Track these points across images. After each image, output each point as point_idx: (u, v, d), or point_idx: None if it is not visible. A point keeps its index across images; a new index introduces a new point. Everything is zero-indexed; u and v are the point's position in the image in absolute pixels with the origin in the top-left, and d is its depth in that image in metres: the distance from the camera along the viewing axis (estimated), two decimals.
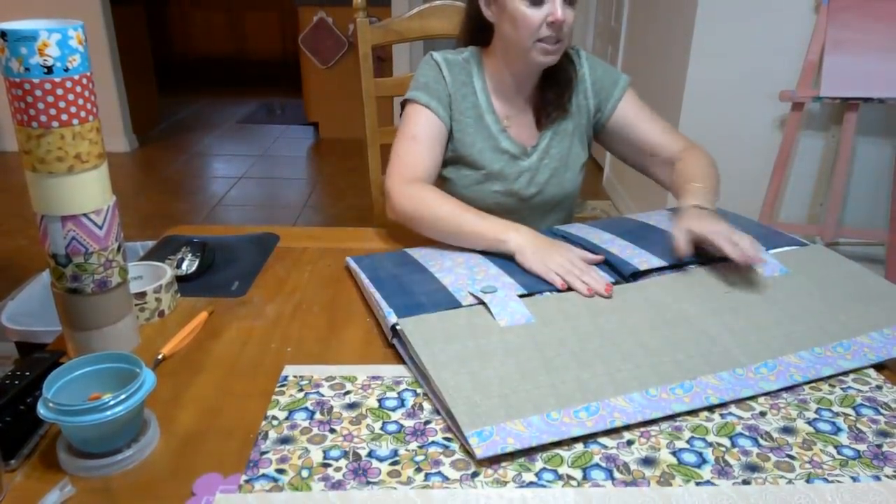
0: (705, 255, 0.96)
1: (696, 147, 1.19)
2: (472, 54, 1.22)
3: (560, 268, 0.92)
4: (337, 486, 0.61)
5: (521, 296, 0.87)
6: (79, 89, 0.69)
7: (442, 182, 1.24)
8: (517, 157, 1.21)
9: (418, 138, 1.15)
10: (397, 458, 0.64)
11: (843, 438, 0.68)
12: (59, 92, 0.67)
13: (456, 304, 0.85)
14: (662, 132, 1.22)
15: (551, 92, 1.20)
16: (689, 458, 0.65)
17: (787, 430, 0.69)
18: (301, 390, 0.74)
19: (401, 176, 1.12)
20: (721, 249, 0.90)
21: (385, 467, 0.63)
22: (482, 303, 0.85)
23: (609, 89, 1.23)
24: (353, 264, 1.00)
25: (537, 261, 0.93)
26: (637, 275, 0.93)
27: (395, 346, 0.82)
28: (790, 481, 0.62)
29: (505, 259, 0.97)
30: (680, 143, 1.20)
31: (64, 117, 0.68)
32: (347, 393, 0.74)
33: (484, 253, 1.00)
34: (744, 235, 0.91)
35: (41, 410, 0.62)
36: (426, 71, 1.20)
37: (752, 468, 0.63)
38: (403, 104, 1.20)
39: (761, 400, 0.73)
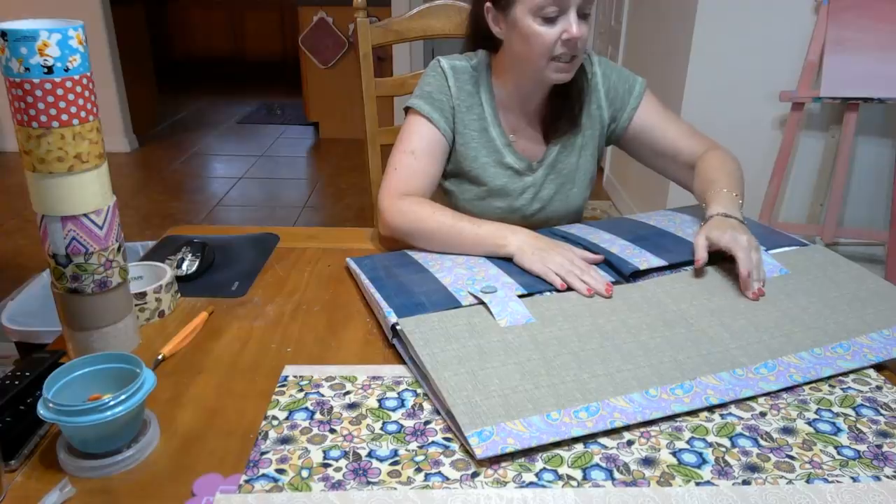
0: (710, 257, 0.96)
1: (718, 147, 1.15)
2: (481, 61, 1.16)
3: (560, 268, 0.91)
4: (337, 486, 0.61)
5: (521, 296, 0.87)
6: (79, 89, 0.69)
7: (443, 194, 1.22)
8: (521, 172, 1.17)
9: (416, 153, 1.11)
10: (397, 459, 0.64)
11: (843, 439, 0.68)
12: (59, 92, 0.67)
13: (456, 304, 0.85)
14: (683, 135, 1.17)
15: (562, 105, 1.15)
16: (689, 458, 0.65)
17: (787, 431, 0.69)
18: (301, 390, 0.74)
19: (394, 191, 1.08)
20: (737, 261, 0.89)
21: (385, 467, 0.63)
22: (482, 303, 0.85)
23: (624, 98, 1.18)
24: (353, 265, 1.00)
25: (537, 261, 0.93)
26: (637, 275, 0.93)
27: (395, 346, 0.82)
28: (790, 482, 0.62)
29: (505, 259, 0.97)
30: (702, 145, 1.16)
31: (64, 117, 0.68)
32: (347, 393, 0.74)
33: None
34: (760, 263, 0.91)
35: (41, 410, 0.62)
36: (431, 79, 1.14)
37: (752, 468, 0.63)
38: (406, 110, 1.16)
39: (761, 400, 0.73)
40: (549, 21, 1.00)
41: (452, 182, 1.20)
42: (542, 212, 1.20)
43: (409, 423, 0.69)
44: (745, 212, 1.03)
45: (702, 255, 0.92)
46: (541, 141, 1.18)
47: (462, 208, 1.17)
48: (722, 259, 0.96)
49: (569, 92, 1.14)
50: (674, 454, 0.65)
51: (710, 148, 1.15)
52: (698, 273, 0.93)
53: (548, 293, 0.89)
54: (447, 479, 0.62)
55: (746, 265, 0.88)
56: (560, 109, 1.15)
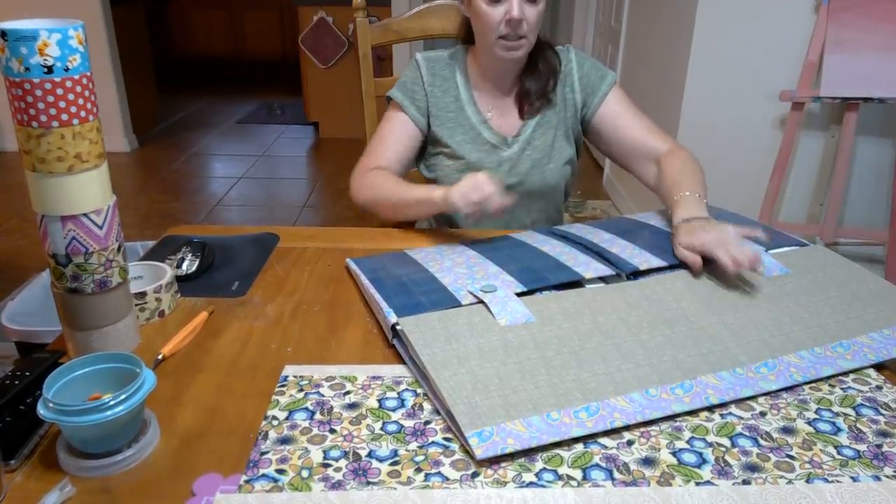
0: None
1: (681, 148, 1.19)
2: (456, 51, 1.28)
3: (463, 199, 1.00)
4: (337, 486, 0.61)
5: (522, 293, 0.87)
6: (79, 89, 0.69)
7: (427, 180, 1.31)
8: (497, 147, 1.25)
9: (384, 136, 1.25)
10: (397, 459, 0.64)
11: (843, 438, 0.68)
12: (59, 92, 0.67)
13: (456, 303, 0.85)
14: (646, 130, 1.22)
15: (533, 81, 1.24)
16: (689, 458, 0.65)
17: (787, 431, 0.69)
18: (301, 390, 0.74)
19: (362, 169, 1.21)
20: (718, 260, 0.89)
21: (385, 467, 0.63)
22: (482, 301, 0.85)
23: (596, 84, 1.25)
24: (352, 265, 1.00)
25: (458, 199, 1.01)
26: (637, 273, 0.93)
27: (395, 346, 0.82)
28: (790, 481, 0.62)
29: (504, 257, 0.97)
30: (664, 144, 1.20)
31: (64, 117, 0.68)
32: (347, 393, 0.74)
33: (483, 251, 1.00)
34: (737, 241, 0.90)
35: (41, 410, 0.62)
36: (407, 72, 1.27)
37: (752, 468, 0.63)
38: (387, 101, 1.29)
39: (761, 400, 0.73)
40: (495, 2, 1.12)
41: (434, 162, 1.28)
42: (519, 186, 1.25)
43: (409, 423, 0.69)
44: (745, 212, 1.03)
45: (696, 261, 0.92)
46: (517, 118, 1.27)
47: (443, 183, 1.25)
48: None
49: (539, 70, 1.23)
50: (674, 454, 0.65)
51: (672, 148, 1.19)
52: (698, 273, 0.93)
53: (547, 292, 0.89)
54: (447, 479, 0.62)
55: (730, 266, 0.88)
56: (532, 86, 1.24)
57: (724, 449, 0.66)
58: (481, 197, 0.99)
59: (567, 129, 1.27)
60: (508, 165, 1.25)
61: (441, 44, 1.35)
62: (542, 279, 0.90)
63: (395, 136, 1.25)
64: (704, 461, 0.64)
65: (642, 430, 0.68)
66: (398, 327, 0.80)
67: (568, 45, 1.29)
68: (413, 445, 0.66)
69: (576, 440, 0.66)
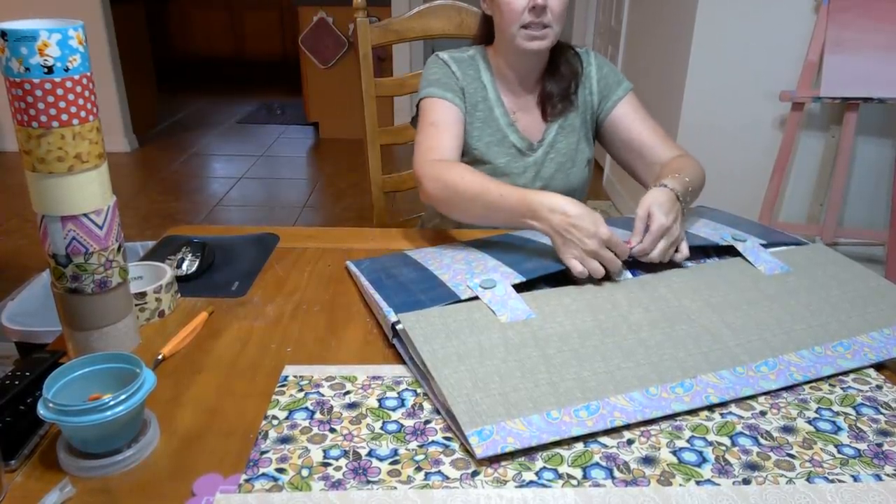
0: (706, 253, 0.96)
1: (690, 155, 1.19)
2: (476, 52, 1.25)
3: (584, 256, 0.88)
4: (337, 485, 0.61)
5: (521, 287, 0.87)
6: (79, 89, 0.69)
7: None
8: (523, 152, 1.23)
9: (437, 124, 1.16)
10: (397, 458, 0.64)
11: (844, 438, 0.68)
12: (60, 92, 0.67)
13: (455, 298, 0.84)
14: (657, 136, 1.22)
15: (555, 83, 1.22)
16: (690, 457, 0.65)
17: (788, 430, 0.69)
18: (301, 390, 0.74)
19: (425, 159, 1.11)
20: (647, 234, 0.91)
21: (385, 467, 0.63)
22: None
23: (612, 87, 1.26)
24: (352, 267, 1.00)
25: (566, 251, 0.89)
26: (637, 266, 0.93)
27: (395, 346, 0.82)
28: (790, 480, 0.62)
29: (504, 251, 0.97)
30: (672, 150, 1.20)
31: (64, 117, 0.68)
32: (347, 393, 0.74)
33: (483, 248, 1.00)
34: (671, 238, 0.91)
35: (41, 411, 0.62)
36: (435, 70, 1.22)
37: (753, 467, 0.63)
38: (418, 105, 1.22)
39: (761, 399, 0.73)
40: None
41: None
42: (543, 190, 1.22)
43: (409, 423, 0.69)
44: (745, 212, 1.03)
45: (641, 230, 0.92)
46: (540, 121, 1.25)
47: None
48: (719, 257, 0.97)
49: (561, 72, 1.22)
50: (674, 453, 0.65)
51: (680, 154, 1.19)
52: (698, 269, 0.92)
53: (547, 288, 0.88)
54: (447, 478, 0.62)
55: (646, 248, 0.90)
56: (554, 89, 1.22)
57: (724, 448, 0.66)
58: (597, 246, 0.87)
59: (587, 130, 1.28)
60: (533, 171, 1.24)
61: (440, 44, 1.35)
62: (543, 268, 0.90)
63: (449, 124, 1.17)
64: (705, 460, 0.64)
65: (642, 429, 0.68)
66: (398, 326, 0.80)
67: (586, 47, 1.29)
68: (413, 445, 0.66)
69: (576, 439, 0.66)
